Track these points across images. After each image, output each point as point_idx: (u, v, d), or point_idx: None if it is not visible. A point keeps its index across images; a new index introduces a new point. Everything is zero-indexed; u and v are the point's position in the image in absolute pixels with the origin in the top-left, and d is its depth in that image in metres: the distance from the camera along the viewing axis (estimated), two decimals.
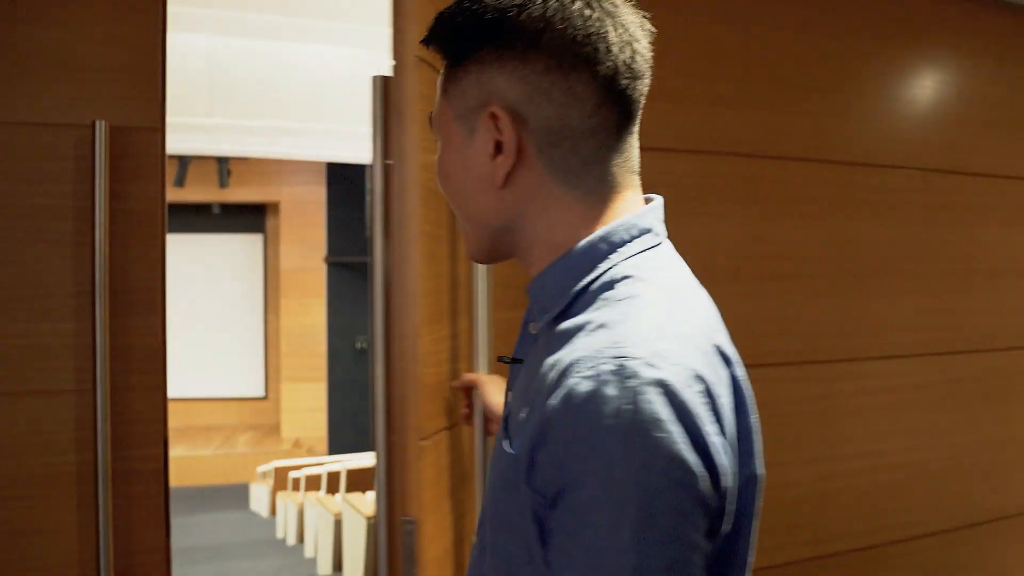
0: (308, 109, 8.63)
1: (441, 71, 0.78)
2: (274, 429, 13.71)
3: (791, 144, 1.94)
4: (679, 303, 0.70)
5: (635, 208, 0.76)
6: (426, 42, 0.77)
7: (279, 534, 7.56)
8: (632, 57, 0.73)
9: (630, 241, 0.73)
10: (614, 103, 0.73)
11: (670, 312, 0.67)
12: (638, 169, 0.78)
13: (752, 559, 0.73)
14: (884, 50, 2.04)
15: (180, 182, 12.07)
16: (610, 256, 0.72)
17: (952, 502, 2.10)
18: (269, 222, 14.25)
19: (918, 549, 2.04)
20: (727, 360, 0.70)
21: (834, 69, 1.98)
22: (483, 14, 0.71)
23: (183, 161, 11.94)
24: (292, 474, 8.02)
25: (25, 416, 1.51)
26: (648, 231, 0.75)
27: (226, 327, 14.24)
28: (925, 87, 2.10)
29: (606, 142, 0.74)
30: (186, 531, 7.80)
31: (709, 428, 0.62)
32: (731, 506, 0.65)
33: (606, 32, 0.70)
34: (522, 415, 0.69)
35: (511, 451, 0.69)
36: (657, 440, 0.58)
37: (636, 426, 0.58)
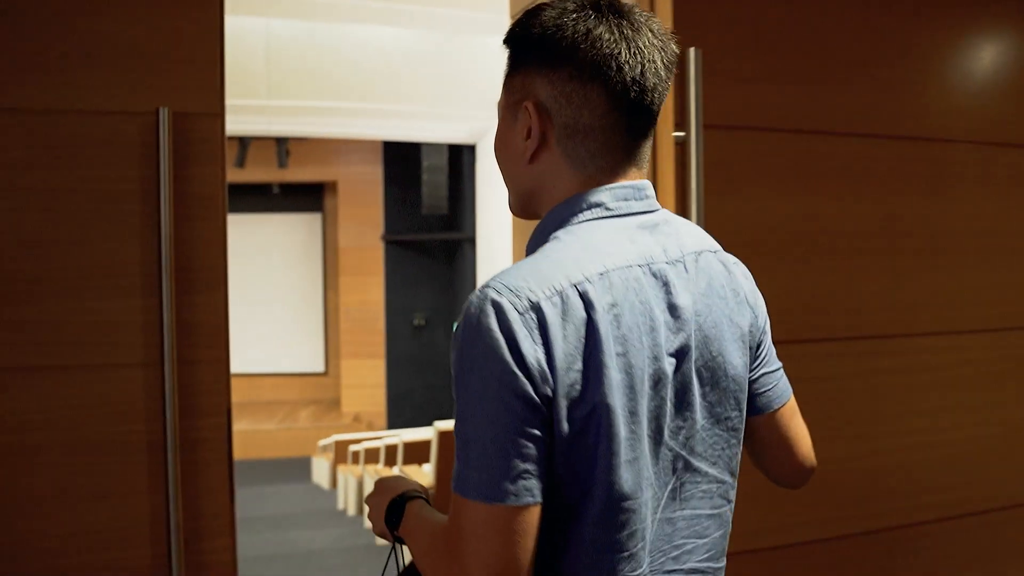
0: (364, 89, 8.74)
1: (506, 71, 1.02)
2: (334, 404, 14.00)
3: (843, 118, 1.92)
4: (568, 256, 0.90)
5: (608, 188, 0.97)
6: (504, 42, 1.00)
7: (339, 505, 7.76)
8: (642, 74, 0.93)
9: (580, 212, 0.95)
10: (623, 110, 0.93)
11: (549, 261, 0.89)
12: (644, 162, 1.00)
13: (651, 495, 0.92)
14: (940, 19, 2.00)
15: (240, 163, 12.32)
16: (567, 220, 0.95)
17: (1003, 481, 2.07)
18: (327, 201, 14.47)
19: (967, 527, 2.02)
20: (588, 304, 0.87)
21: (886, 41, 1.96)
22: (531, 31, 0.95)
23: (243, 142, 12.18)
24: (352, 447, 8.22)
25: (98, 388, 1.60)
26: (598, 205, 0.95)
27: (287, 305, 14.54)
28: (983, 58, 2.05)
29: (613, 139, 0.95)
30: (250, 502, 8.04)
31: (525, 344, 0.83)
32: (563, 412, 0.85)
33: (619, 53, 0.92)
34: None
35: None
36: (487, 342, 0.83)
37: (477, 330, 0.84)
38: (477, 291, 0.87)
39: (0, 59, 1.54)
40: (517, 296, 0.85)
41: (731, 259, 1.06)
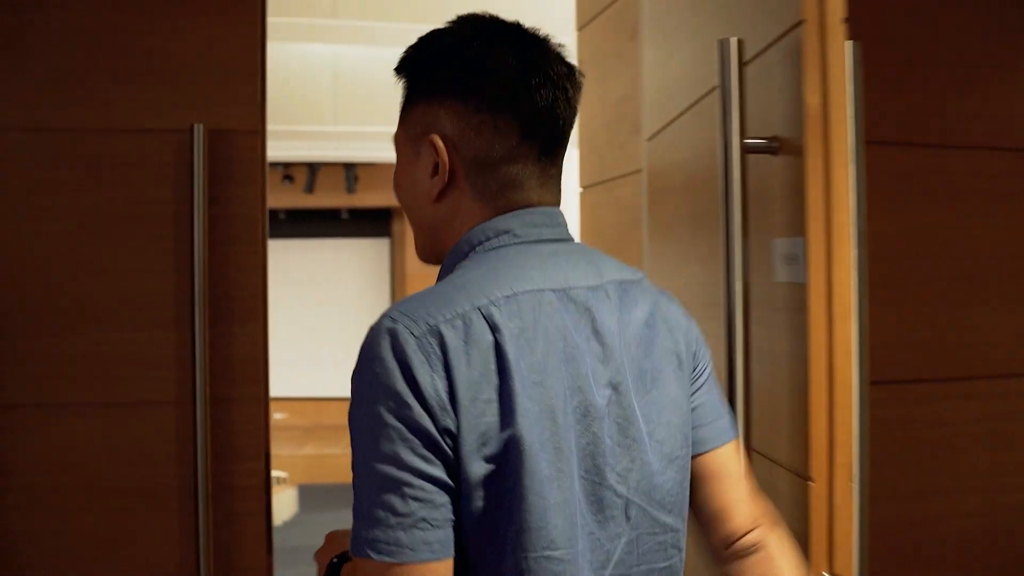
0: None
1: (405, 101, 0.94)
2: None
3: (963, 131, 1.69)
4: (471, 279, 0.83)
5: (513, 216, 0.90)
6: (396, 71, 0.94)
7: None
8: (552, 102, 0.87)
9: (487, 240, 0.88)
10: (534, 138, 0.88)
11: (452, 286, 0.83)
12: (557, 190, 0.93)
13: (562, 540, 0.77)
14: None
15: (310, 189, 12.45)
16: (470, 253, 0.88)
17: None
18: (395, 226, 14.52)
19: None
20: (494, 327, 0.78)
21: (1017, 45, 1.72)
22: (432, 58, 0.90)
23: (312, 168, 12.31)
24: None
25: (127, 427, 1.48)
26: (506, 232, 0.88)
27: (355, 329, 14.59)
28: None
29: (525, 170, 0.89)
30: (314, 529, 7.96)
31: (421, 371, 0.75)
32: (471, 449, 0.75)
33: (528, 81, 0.86)
34: None
35: None
36: (377, 371, 0.76)
37: (369, 359, 0.79)
38: (375, 322, 0.81)
39: (25, 77, 1.45)
40: (414, 321, 0.78)
41: (656, 288, 0.98)
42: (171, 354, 1.47)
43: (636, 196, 2.02)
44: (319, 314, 14.35)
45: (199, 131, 1.43)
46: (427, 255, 0.99)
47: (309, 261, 14.57)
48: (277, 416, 14.69)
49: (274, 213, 13.89)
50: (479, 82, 0.86)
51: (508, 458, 0.75)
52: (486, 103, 0.86)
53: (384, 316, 0.80)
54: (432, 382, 0.75)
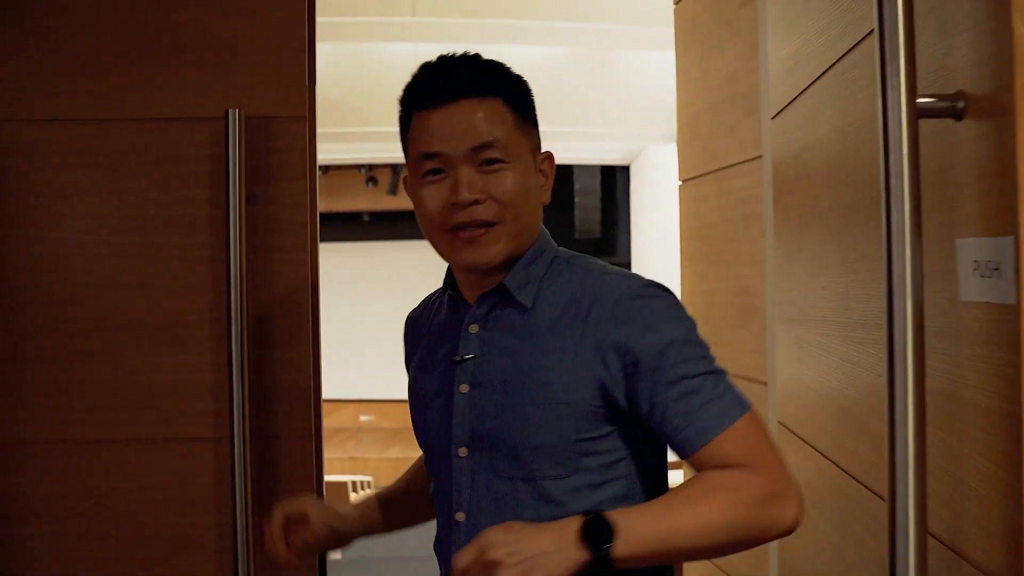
0: None
1: (501, 107, 1.00)
2: None
3: None
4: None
5: None
6: (484, 78, 1.01)
7: None
8: None
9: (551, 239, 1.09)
10: None
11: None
12: None
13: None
14: None
15: (393, 190, 12.38)
16: (551, 247, 1.08)
17: None
18: None
19: None
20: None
21: None
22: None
23: (395, 169, 12.24)
24: None
25: (161, 466, 1.27)
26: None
27: None
28: None
29: None
30: (394, 541, 7.83)
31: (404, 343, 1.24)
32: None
33: None
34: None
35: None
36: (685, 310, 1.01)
37: (678, 305, 1.01)
38: (646, 281, 1.01)
39: (42, 64, 1.25)
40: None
41: None
42: (208, 382, 1.25)
43: (753, 187, 1.71)
44: (404, 316, 14.18)
45: (235, 117, 1.21)
46: (510, 255, 1.01)
47: (393, 262, 14.54)
48: (363, 418, 14.74)
49: (358, 215, 13.94)
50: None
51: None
52: None
53: (658, 285, 0.99)
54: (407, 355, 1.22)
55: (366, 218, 13.83)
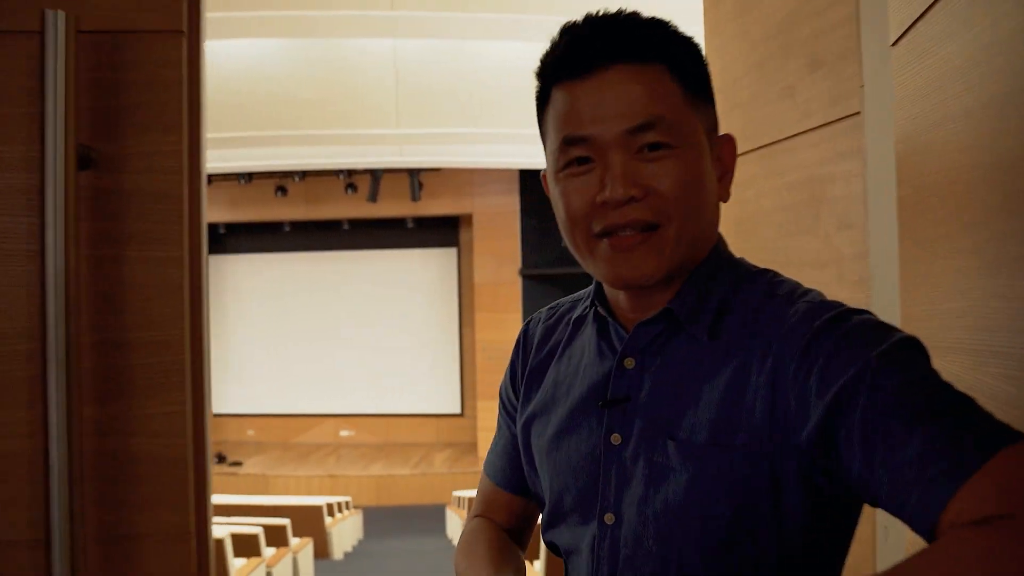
0: (499, 113, 8.03)
1: (667, 77, 0.79)
2: (471, 448, 13.29)
3: None
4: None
5: None
6: (672, 60, 0.79)
7: None
8: None
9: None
10: None
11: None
12: None
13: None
14: None
15: (373, 197, 11.91)
16: (730, 263, 0.85)
17: None
18: (463, 235, 13.92)
19: None
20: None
21: None
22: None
23: (375, 175, 11.77)
24: None
25: None
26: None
27: (422, 342, 14.05)
28: None
29: None
30: (382, 559, 7.39)
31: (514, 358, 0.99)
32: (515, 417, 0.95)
33: None
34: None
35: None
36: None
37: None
38: (835, 303, 0.75)
39: None
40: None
41: None
42: (21, 452, 0.78)
43: (834, 161, 1.26)
44: (385, 327, 13.83)
45: (57, 24, 0.74)
46: (675, 268, 0.80)
47: (374, 273, 14.04)
48: (344, 433, 14.24)
49: (338, 223, 13.45)
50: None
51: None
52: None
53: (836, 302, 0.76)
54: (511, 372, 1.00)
55: (346, 226, 13.35)
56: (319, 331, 14.18)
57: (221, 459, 12.87)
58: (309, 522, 7.00)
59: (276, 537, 5.35)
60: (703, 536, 0.74)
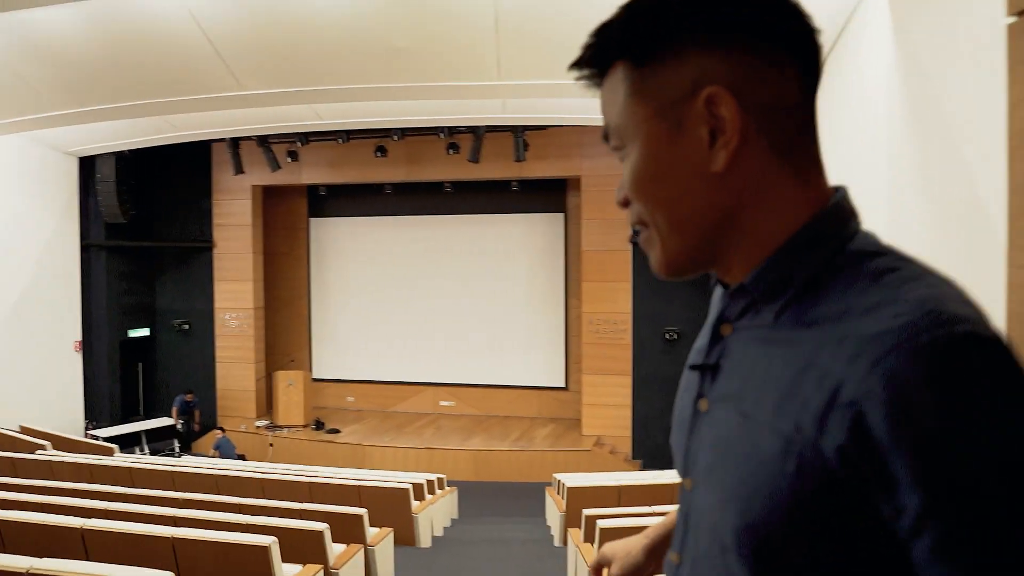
0: None
1: (621, 74, 0.78)
2: (575, 424, 12.64)
3: None
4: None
5: (831, 189, 0.77)
6: (600, 48, 0.78)
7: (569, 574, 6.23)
8: (813, 34, 0.75)
9: (848, 221, 0.74)
10: (809, 75, 0.75)
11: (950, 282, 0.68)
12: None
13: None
14: None
15: (475, 157, 11.25)
16: (835, 239, 0.73)
17: None
18: (570, 199, 13.13)
19: None
20: None
21: None
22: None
23: (477, 134, 11.10)
24: (600, 523, 6.22)
25: None
26: (855, 214, 0.75)
27: (526, 311, 13.42)
28: None
29: (805, 116, 0.75)
30: (470, 547, 6.83)
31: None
32: None
33: (812, 26, 0.74)
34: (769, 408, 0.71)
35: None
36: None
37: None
38: (950, 317, 0.61)
39: None
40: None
41: None
42: None
43: None
44: (487, 295, 13.27)
45: None
46: (693, 263, 0.79)
47: (476, 237, 13.44)
48: (444, 404, 13.79)
49: (439, 185, 12.87)
50: (751, 15, 0.73)
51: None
52: (761, 38, 0.73)
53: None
54: None
55: (448, 188, 12.74)
56: (419, 297, 13.77)
57: (319, 426, 12.64)
58: (397, 506, 6.48)
59: (348, 530, 4.80)
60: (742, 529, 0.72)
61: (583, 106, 8.57)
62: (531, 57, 7.34)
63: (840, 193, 0.75)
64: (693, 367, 0.83)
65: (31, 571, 2.36)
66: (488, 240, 13.43)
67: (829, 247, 0.72)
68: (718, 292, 0.84)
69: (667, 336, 11.54)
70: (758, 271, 0.75)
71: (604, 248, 11.92)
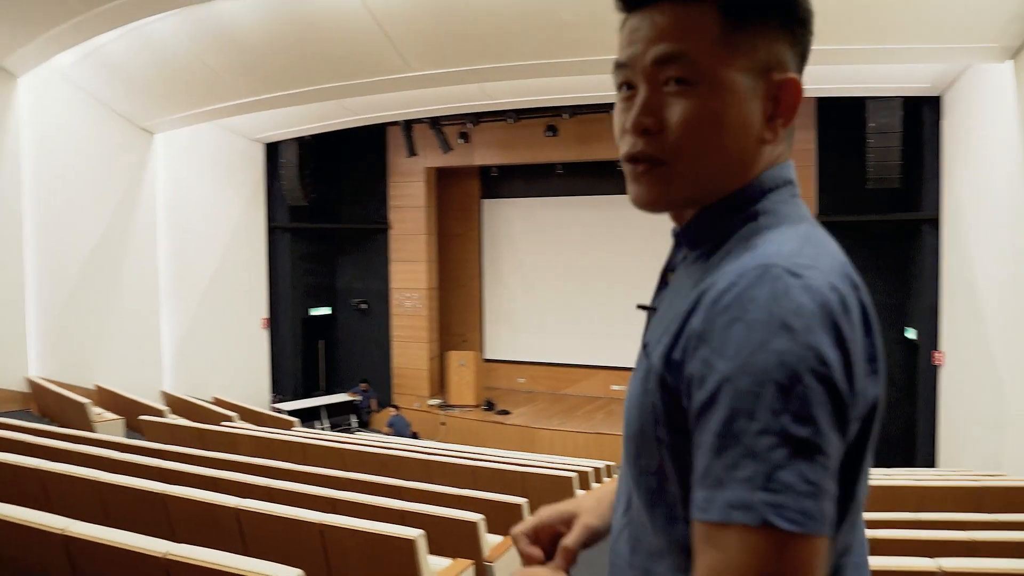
0: None
1: (705, 13, 0.80)
2: None
3: None
4: (815, 236, 0.79)
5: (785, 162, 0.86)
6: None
7: None
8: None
9: (778, 188, 0.83)
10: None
11: (806, 240, 0.77)
12: None
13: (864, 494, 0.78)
14: None
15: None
16: (763, 199, 0.82)
17: None
18: None
19: None
20: (855, 285, 0.76)
21: None
22: None
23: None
24: None
25: None
26: (790, 182, 0.85)
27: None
28: None
29: None
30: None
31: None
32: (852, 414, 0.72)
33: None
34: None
35: None
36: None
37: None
38: (765, 271, 0.72)
39: None
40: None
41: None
42: None
43: None
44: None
45: None
46: (684, 201, 0.85)
47: (650, 218, 12.85)
48: (615, 388, 13.50)
49: (611, 164, 12.52)
50: (804, 11, 0.83)
51: (870, 422, 0.74)
52: (803, 32, 0.83)
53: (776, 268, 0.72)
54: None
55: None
56: (591, 279, 13.52)
57: (490, 406, 12.72)
58: (557, 499, 6.29)
59: (507, 520, 4.65)
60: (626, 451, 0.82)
61: None
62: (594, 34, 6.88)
63: (778, 167, 0.83)
64: (640, 307, 0.93)
65: (167, 556, 2.33)
66: (665, 220, 12.96)
67: (745, 212, 0.81)
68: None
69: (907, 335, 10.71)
70: (689, 224, 0.85)
71: None
